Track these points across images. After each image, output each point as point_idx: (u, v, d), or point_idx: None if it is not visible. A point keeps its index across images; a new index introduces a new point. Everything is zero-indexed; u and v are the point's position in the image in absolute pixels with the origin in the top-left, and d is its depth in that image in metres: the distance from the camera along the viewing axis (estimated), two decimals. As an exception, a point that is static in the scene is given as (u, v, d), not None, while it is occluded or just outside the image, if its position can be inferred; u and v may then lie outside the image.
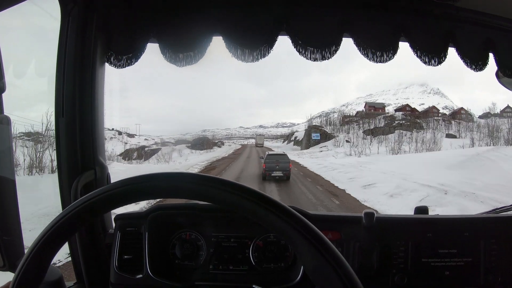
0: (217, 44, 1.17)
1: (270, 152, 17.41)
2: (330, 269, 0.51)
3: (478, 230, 1.09)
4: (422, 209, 1.24)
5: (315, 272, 0.52)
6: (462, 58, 1.22)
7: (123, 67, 1.17)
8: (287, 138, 76.32)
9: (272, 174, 14.22)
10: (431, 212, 1.24)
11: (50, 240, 0.56)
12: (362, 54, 1.16)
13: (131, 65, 1.17)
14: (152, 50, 1.18)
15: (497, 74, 1.28)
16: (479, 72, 1.26)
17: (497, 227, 1.11)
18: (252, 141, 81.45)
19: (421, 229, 1.10)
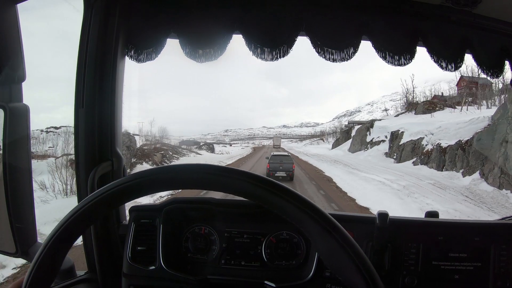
0: (238, 43, 1.18)
1: (275, 153, 17.39)
2: (342, 251, 0.53)
3: (489, 236, 1.09)
4: (432, 214, 1.24)
5: (328, 256, 0.54)
6: (478, 64, 1.23)
7: (143, 62, 1.18)
8: (343, 135, 44.45)
9: (276, 174, 14.29)
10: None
11: (66, 232, 0.57)
12: (380, 57, 1.17)
13: (151, 60, 1.18)
14: (173, 47, 1.19)
15: None
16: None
17: (507, 233, 1.11)
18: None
19: (433, 232, 1.10)
